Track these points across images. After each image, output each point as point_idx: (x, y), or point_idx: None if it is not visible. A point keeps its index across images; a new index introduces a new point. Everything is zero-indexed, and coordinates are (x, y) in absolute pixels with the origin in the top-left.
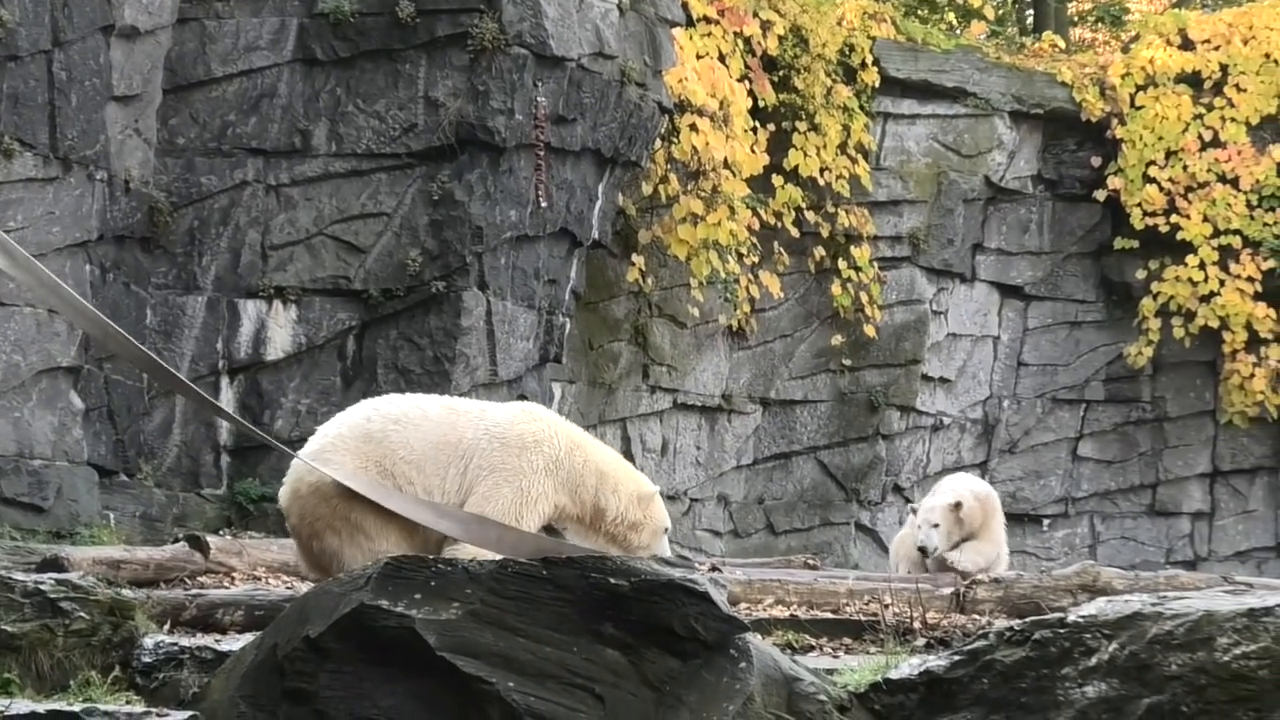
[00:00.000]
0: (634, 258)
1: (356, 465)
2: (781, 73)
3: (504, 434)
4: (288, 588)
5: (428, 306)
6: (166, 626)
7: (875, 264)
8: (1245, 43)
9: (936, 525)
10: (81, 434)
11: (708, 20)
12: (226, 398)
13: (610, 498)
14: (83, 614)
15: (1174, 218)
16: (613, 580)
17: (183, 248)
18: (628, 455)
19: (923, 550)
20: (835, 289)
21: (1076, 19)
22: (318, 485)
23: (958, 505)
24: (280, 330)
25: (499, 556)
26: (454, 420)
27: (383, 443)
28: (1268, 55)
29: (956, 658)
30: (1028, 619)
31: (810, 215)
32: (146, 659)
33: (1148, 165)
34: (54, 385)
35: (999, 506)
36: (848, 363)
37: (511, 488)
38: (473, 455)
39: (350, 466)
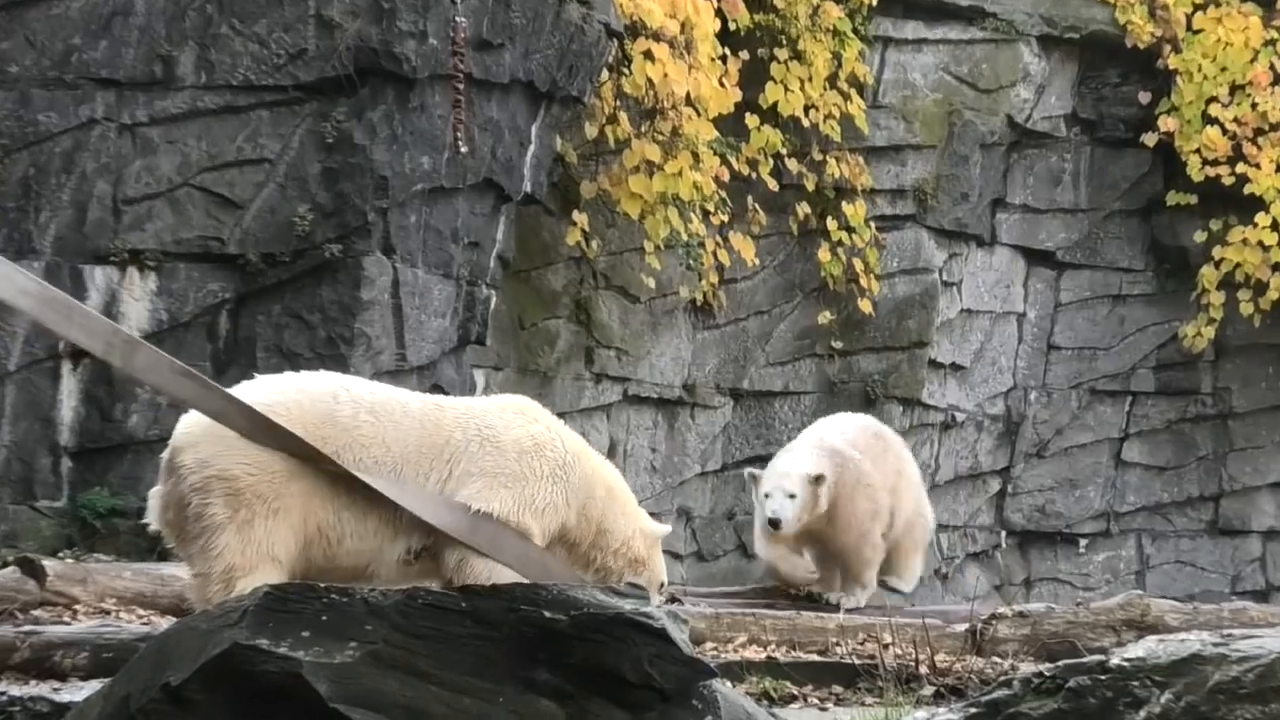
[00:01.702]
0: (575, 216)
1: None
2: None
3: (499, 437)
4: (143, 623)
5: (319, 276)
6: None
7: (872, 224)
8: None
9: (793, 496)
10: None
11: None
12: (68, 387)
13: (619, 520)
14: None
15: (1240, 167)
16: (547, 614)
17: (15, 201)
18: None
19: (773, 524)
20: (823, 255)
21: None
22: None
23: (819, 479)
24: (136, 304)
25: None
26: (439, 418)
27: (352, 433)
28: None
29: (973, 710)
30: (1060, 662)
31: (792, 164)
32: None
33: (1208, 103)
34: None
35: (908, 459)
36: (838, 345)
37: (512, 493)
38: (460, 459)
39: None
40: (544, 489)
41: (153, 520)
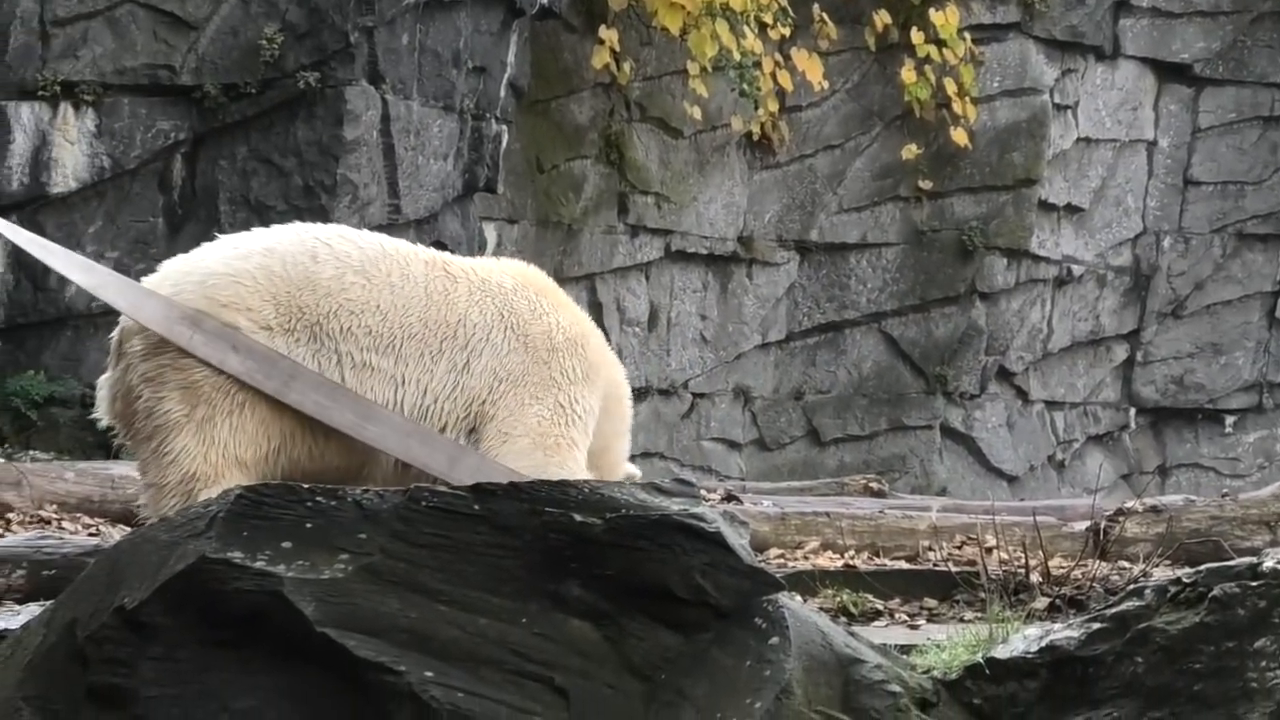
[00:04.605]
0: (602, 32)
1: (275, 322)
2: None
3: (527, 328)
4: (91, 534)
5: (293, 111)
6: None
7: (967, 36)
8: None
9: None
10: None
11: None
12: None
13: (621, 441)
14: None
15: None
16: (578, 517)
17: None
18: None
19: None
20: (906, 74)
21: None
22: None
23: None
24: (71, 148)
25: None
26: (449, 289)
27: (334, 297)
28: None
29: (1096, 626)
30: (1202, 567)
31: None
32: None
33: None
34: None
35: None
36: (927, 185)
37: (545, 405)
38: (482, 350)
39: (251, 323)
40: (580, 393)
41: (102, 413)
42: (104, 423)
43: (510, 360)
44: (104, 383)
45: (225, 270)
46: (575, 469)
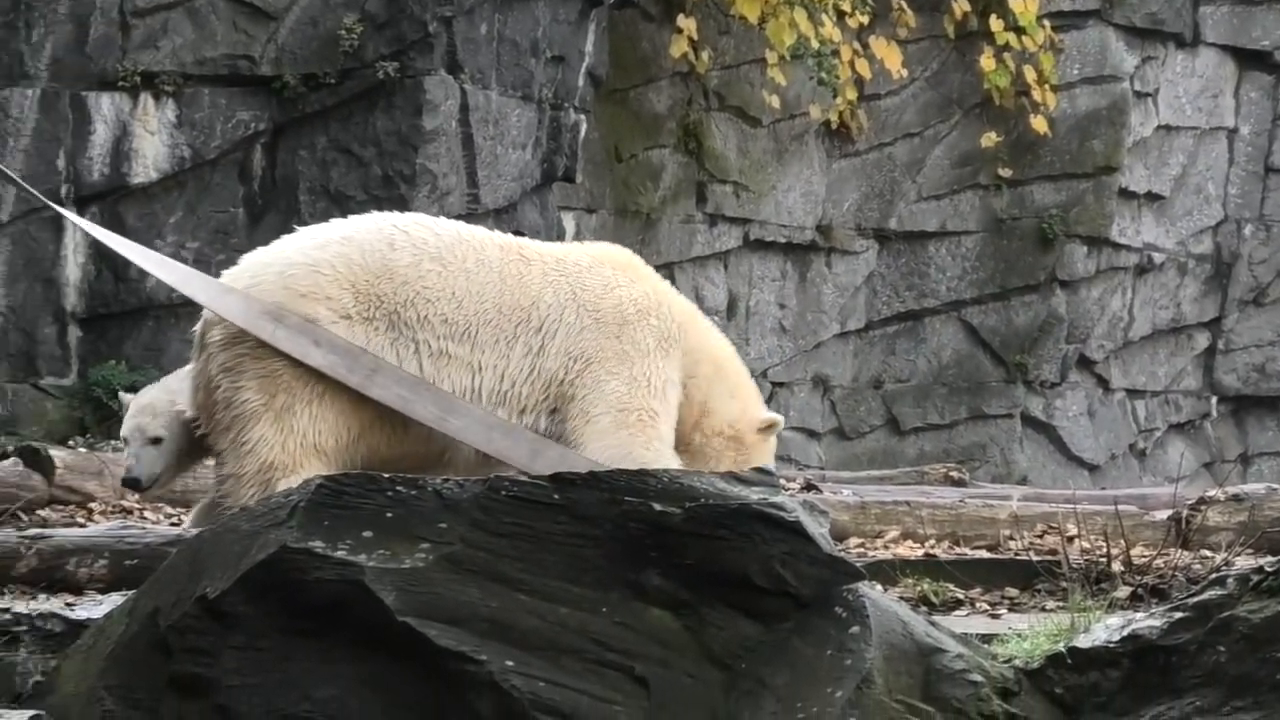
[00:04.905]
0: (680, 21)
1: (353, 310)
2: None
3: (598, 302)
4: (173, 524)
5: (372, 101)
6: None
7: (1046, 23)
8: None
9: (157, 440)
10: None
11: None
12: (73, 241)
13: (726, 402)
14: None
15: None
16: (658, 506)
17: (1, 16)
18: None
19: (130, 484)
20: (986, 62)
21: None
22: (286, 305)
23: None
24: (151, 139)
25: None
26: (523, 273)
27: (411, 285)
28: None
29: (1178, 615)
30: None
31: None
32: None
33: None
34: None
35: None
36: (1007, 173)
37: (621, 379)
38: (555, 330)
39: (331, 312)
40: (654, 364)
41: (186, 404)
42: (188, 414)
43: (584, 338)
44: (187, 374)
45: (304, 260)
46: (658, 444)
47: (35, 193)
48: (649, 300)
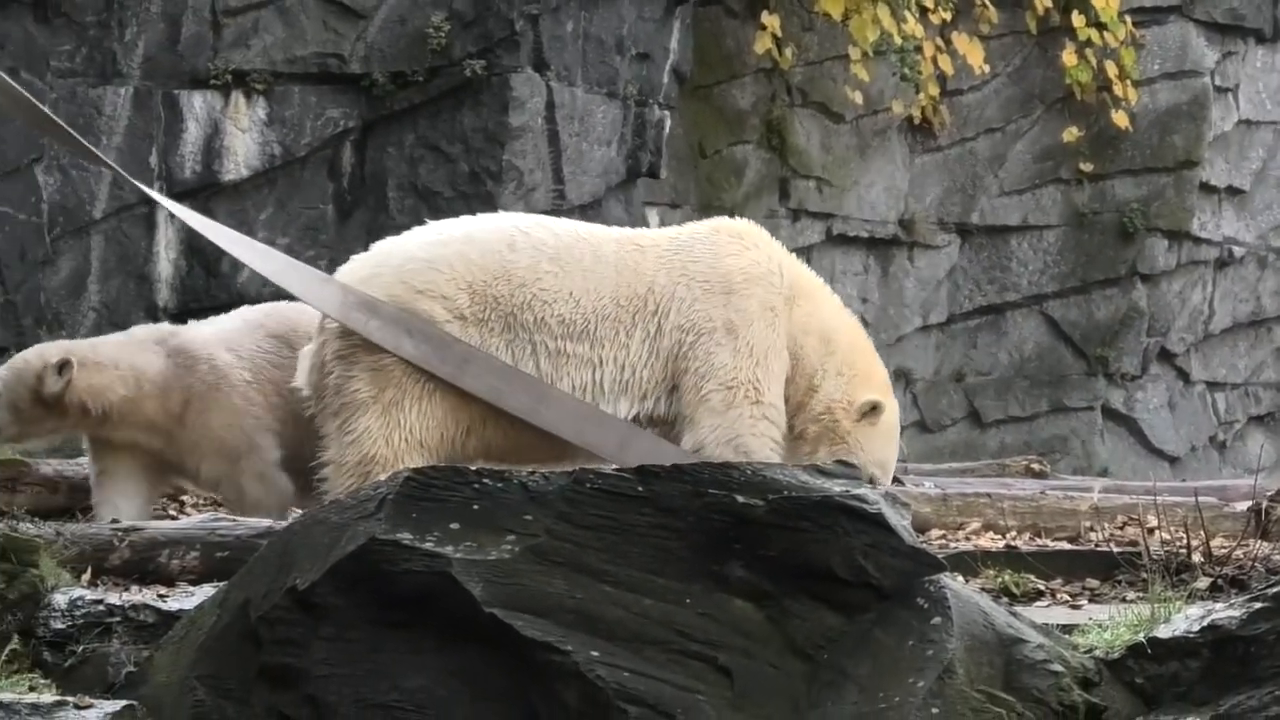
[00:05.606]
0: (764, 18)
1: (469, 311)
2: None
3: (708, 273)
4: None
5: (459, 98)
6: (86, 576)
7: (1128, 19)
8: None
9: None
10: None
11: None
12: (165, 237)
13: (831, 381)
14: None
15: None
16: (740, 498)
17: (94, 15)
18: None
19: None
20: (1068, 58)
21: None
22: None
23: (64, 365)
24: (242, 136)
25: None
26: (638, 262)
27: (528, 287)
28: None
29: (1257, 605)
30: None
31: None
32: (58, 624)
33: None
34: None
35: None
36: (1088, 168)
37: (729, 350)
38: (668, 310)
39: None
40: (757, 332)
41: (301, 382)
42: (303, 392)
43: (694, 310)
44: (305, 354)
45: (424, 256)
46: (764, 424)
47: (139, 184)
48: (758, 268)
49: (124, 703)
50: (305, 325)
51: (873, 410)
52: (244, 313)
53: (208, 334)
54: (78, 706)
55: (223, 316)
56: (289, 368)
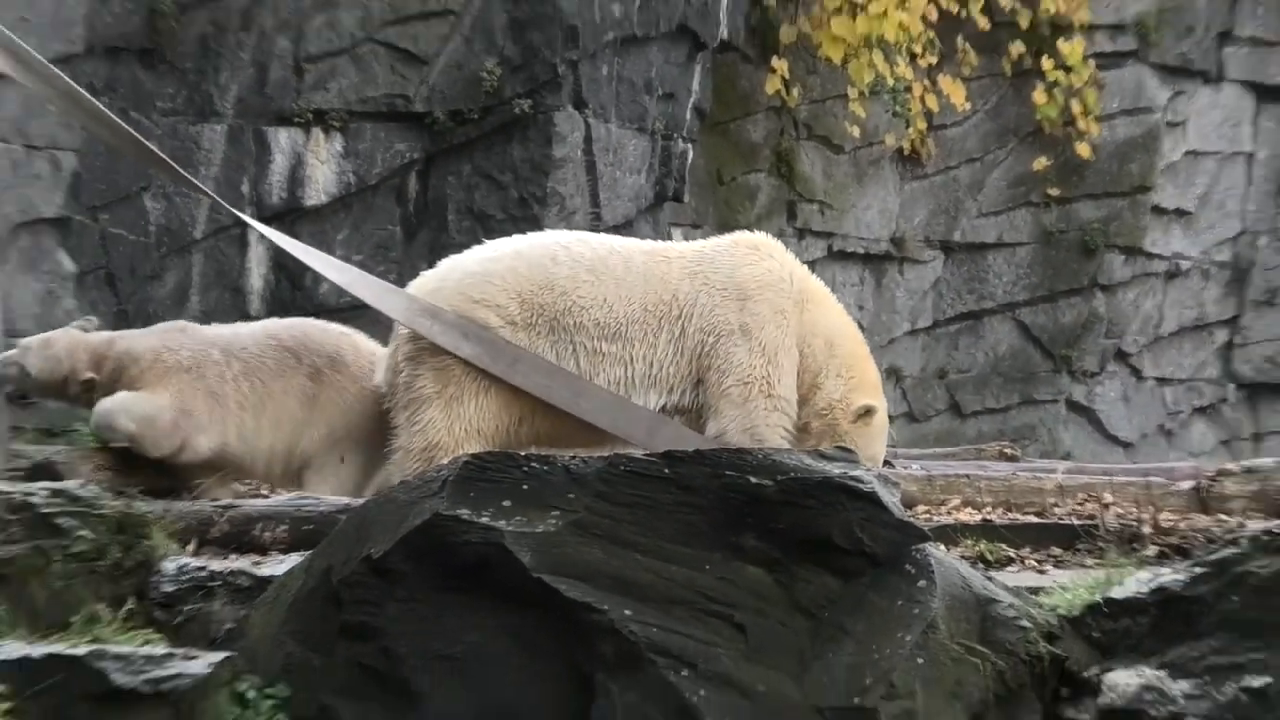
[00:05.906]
0: (774, 63)
1: (519, 318)
2: None
3: (726, 282)
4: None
5: (509, 133)
6: (191, 546)
7: (1091, 62)
8: None
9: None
10: (74, 303)
11: None
12: (256, 255)
13: (832, 381)
14: (85, 532)
15: None
16: (754, 479)
17: (194, 62)
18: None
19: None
20: (1038, 96)
21: None
22: (461, 309)
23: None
24: (322, 166)
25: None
26: (665, 272)
27: (569, 295)
28: None
29: (1198, 570)
30: None
31: (1004, 0)
32: (167, 588)
33: None
34: (37, 242)
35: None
36: (1055, 192)
37: (744, 350)
38: (691, 314)
39: (500, 318)
40: (769, 333)
41: (379, 379)
42: (383, 386)
43: (714, 314)
44: (381, 355)
45: (479, 270)
46: (777, 415)
47: (233, 209)
48: (771, 276)
49: (225, 654)
50: (320, 342)
51: (867, 413)
52: (267, 324)
53: (208, 334)
54: (185, 657)
55: (251, 324)
56: (289, 375)
